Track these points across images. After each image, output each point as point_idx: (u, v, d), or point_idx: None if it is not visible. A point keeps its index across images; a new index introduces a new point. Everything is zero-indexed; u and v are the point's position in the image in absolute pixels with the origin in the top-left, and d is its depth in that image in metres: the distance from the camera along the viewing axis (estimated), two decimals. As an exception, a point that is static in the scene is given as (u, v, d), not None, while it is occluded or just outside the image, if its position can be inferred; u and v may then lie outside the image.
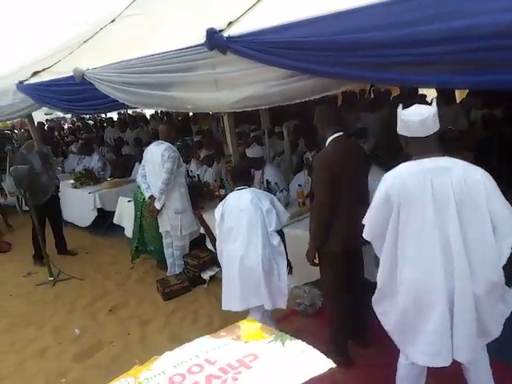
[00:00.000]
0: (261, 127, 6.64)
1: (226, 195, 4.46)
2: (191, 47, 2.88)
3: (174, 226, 4.09)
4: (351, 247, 2.59)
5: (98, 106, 4.34)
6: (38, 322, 3.86)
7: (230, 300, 2.86)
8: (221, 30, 2.70)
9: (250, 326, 1.12)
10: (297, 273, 3.43)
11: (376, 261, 2.19)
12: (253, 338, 1.05)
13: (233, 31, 2.66)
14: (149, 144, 7.21)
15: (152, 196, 4.07)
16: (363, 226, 2.04)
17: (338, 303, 2.71)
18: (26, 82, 5.10)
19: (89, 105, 4.37)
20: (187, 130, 8.47)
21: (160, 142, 4.09)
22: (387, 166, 2.16)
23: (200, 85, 3.09)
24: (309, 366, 0.94)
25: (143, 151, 6.61)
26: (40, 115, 9.32)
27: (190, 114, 9.03)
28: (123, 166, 6.70)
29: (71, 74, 4.34)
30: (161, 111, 11.95)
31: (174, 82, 3.22)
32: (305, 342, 1.03)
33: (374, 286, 2.12)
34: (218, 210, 2.91)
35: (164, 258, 4.36)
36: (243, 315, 2.53)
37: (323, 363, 0.96)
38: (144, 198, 4.23)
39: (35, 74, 5.19)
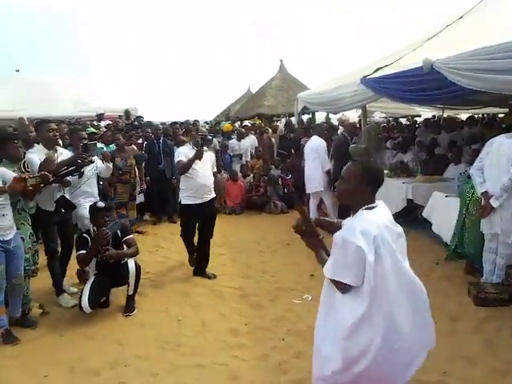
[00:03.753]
0: None
1: None
2: None
3: (507, 231, 3.60)
4: None
5: (440, 95, 4.40)
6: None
7: None
8: None
9: None
10: None
11: None
12: None
13: None
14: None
15: (486, 192, 3.71)
16: None
17: None
18: (368, 77, 5.73)
19: (431, 94, 4.49)
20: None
21: (516, 133, 3.68)
22: None
23: None
24: None
25: (461, 153, 6.32)
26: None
27: None
28: (434, 165, 6.64)
29: (413, 66, 4.60)
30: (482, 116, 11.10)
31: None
32: None
33: None
34: (361, 239, 1.74)
35: (480, 262, 3.99)
36: None
37: None
38: (473, 193, 3.97)
39: (378, 69, 5.75)
